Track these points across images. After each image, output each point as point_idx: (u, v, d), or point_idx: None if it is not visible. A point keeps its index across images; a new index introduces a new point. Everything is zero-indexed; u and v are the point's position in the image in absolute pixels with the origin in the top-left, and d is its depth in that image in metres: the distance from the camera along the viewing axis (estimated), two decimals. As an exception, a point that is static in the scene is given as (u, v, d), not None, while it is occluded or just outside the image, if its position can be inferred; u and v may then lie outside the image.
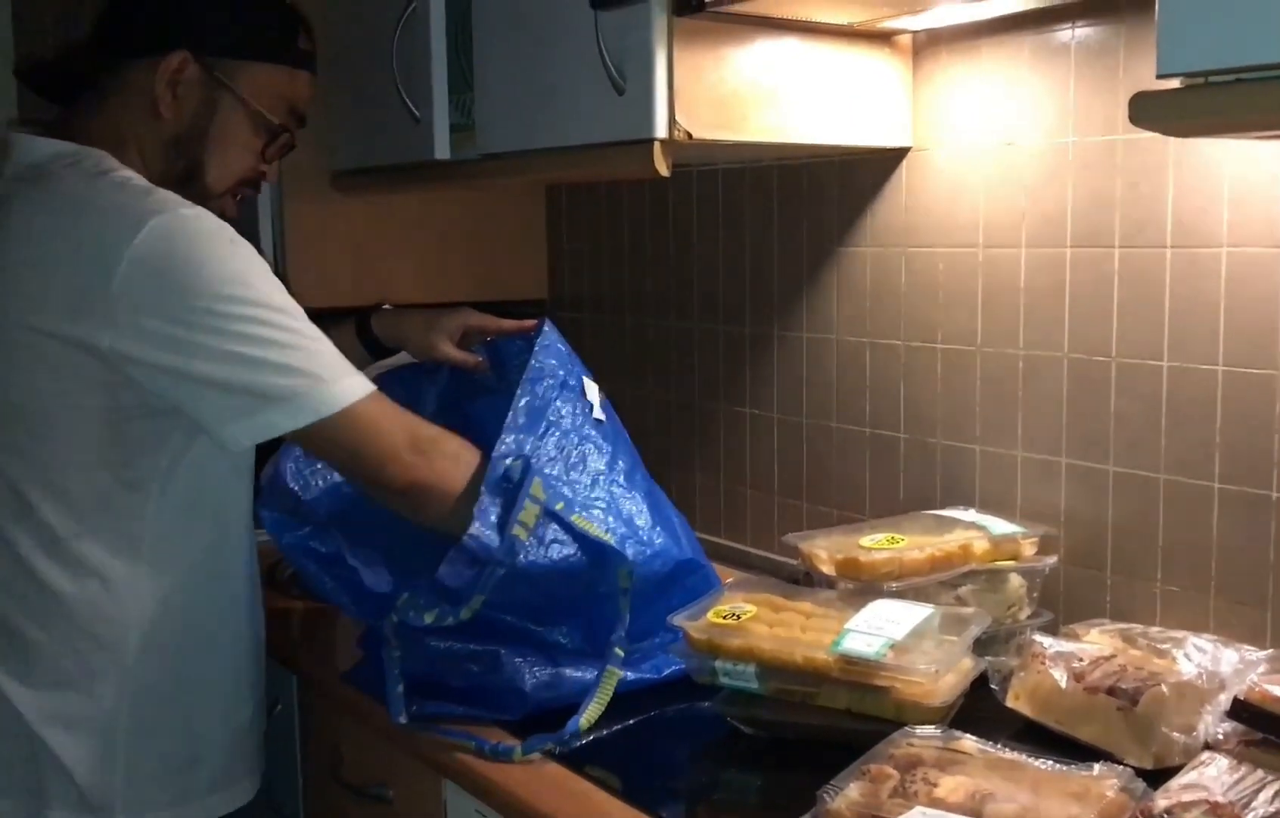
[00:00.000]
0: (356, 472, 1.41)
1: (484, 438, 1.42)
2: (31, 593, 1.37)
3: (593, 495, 1.45)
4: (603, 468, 1.48)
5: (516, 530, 1.33)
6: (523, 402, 1.45)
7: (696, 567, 1.50)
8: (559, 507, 1.39)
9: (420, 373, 1.70)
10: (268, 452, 1.48)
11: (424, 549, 1.39)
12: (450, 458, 1.39)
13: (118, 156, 1.40)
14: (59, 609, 1.36)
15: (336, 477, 1.50)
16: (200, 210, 1.34)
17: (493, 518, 1.34)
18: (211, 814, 1.46)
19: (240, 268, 1.32)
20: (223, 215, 1.43)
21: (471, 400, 1.63)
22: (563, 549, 1.38)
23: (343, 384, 1.34)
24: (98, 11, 1.48)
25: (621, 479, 1.50)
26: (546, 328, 1.55)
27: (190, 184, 1.44)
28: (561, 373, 1.50)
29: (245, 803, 1.51)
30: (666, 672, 1.47)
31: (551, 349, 1.52)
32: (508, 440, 1.41)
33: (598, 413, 1.52)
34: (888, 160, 1.77)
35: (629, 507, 1.47)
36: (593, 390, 1.54)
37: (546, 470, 1.41)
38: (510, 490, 1.36)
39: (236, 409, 1.31)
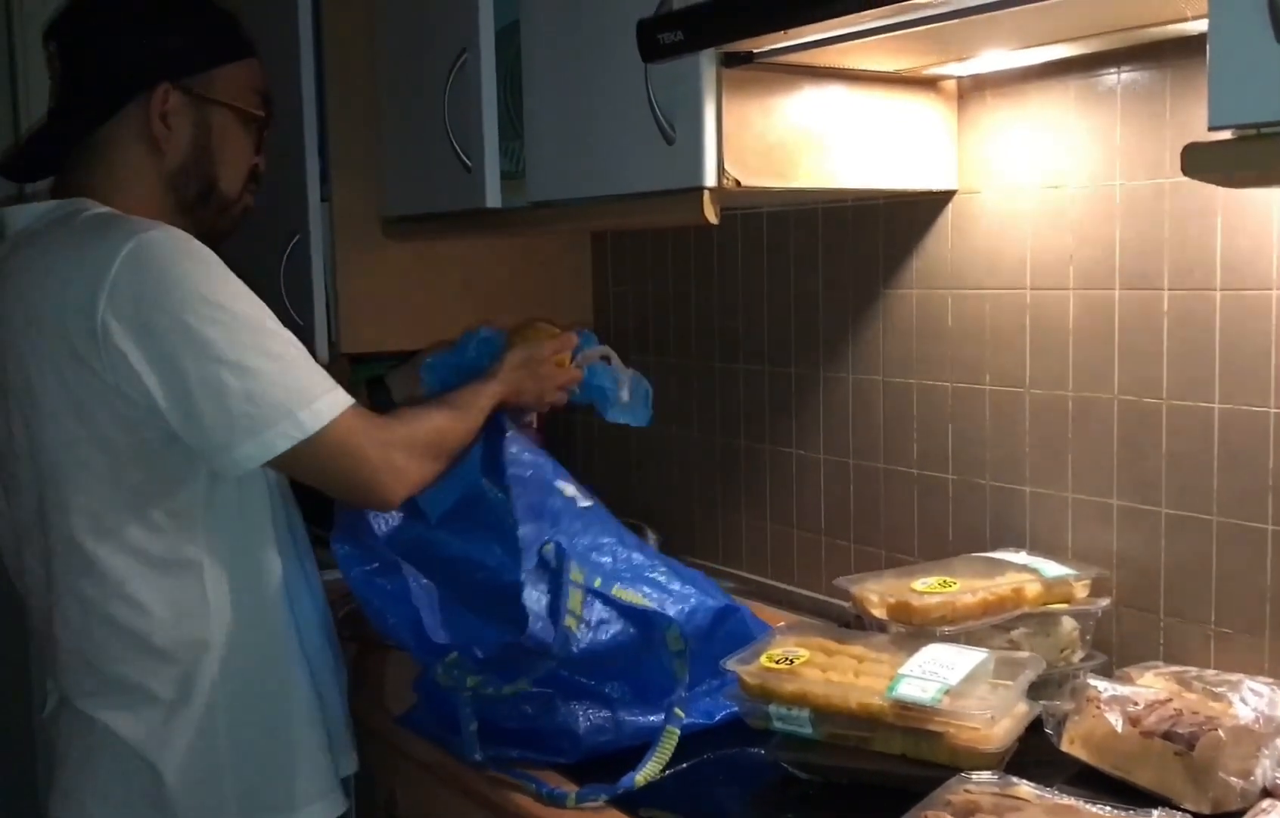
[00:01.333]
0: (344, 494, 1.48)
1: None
2: (110, 637, 1.42)
3: (619, 569, 1.48)
4: (614, 544, 1.53)
5: (568, 623, 1.37)
6: (521, 500, 1.49)
7: (733, 611, 1.52)
8: (598, 583, 1.42)
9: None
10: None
11: (488, 597, 1.42)
12: (419, 454, 1.49)
13: (123, 203, 1.46)
14: (139, 645, 1.42)
15: (409, 514, 1.53)
16: (170, 230, 1.39)
17: (543, 609, 1.37)
18: None
19: (210, 283, 1.38)
20: (244, 215, 1.58)
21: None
22: (610, 628, 1.41)
23: (319, 403, 1.39)
24: (55, 87, 1.52)
25: (635, 550, 1.54)
26: (509, 436, 1.59)
27: (208, 200, 1.55)
28: (538, 471, 1.57)
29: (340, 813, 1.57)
30: (718, 717, 1.48)
31: (520, 457, 1.57)
32: (526, 529, 1.45)
33: (583, 502, 1.58)
34: (934, 203, 1.78)
35: (653, 573, 1.50)
36: (570, 487, 1.60)
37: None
38: (551, 577, 1.40)
39: (225, 435, 1.37)
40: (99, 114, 1.47)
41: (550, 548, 1.43)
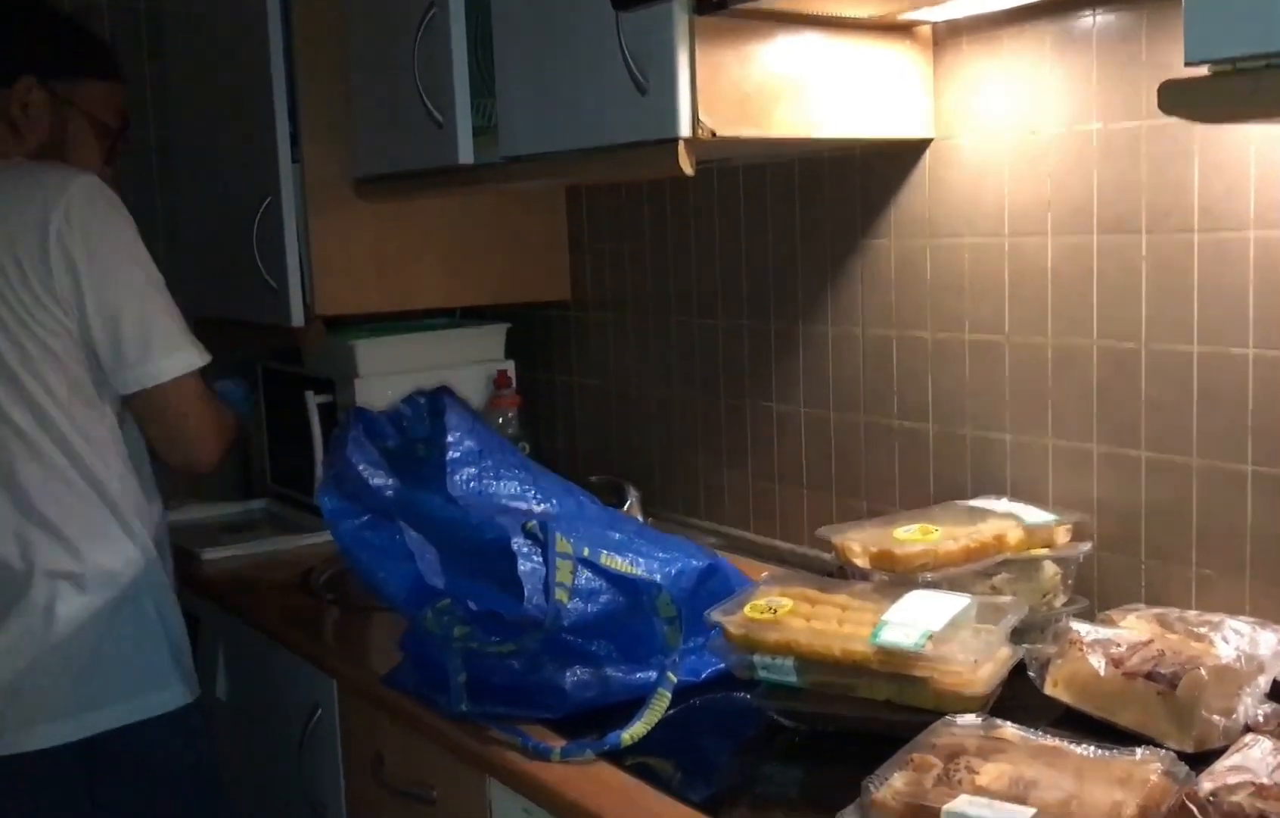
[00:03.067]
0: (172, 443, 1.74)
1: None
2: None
3: (604, 538, 1.47)
4: (582, 513, 1.54)
5: (560, 596, 1.36)
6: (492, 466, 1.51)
7: (716, 568, 1.51)
8: (585, 552, 1.41)
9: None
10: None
11: (479, 560, 1.40)
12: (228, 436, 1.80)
13: None
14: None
15: (395, 468, 1.52)
16: (93, 177, 1.66)
17: (539, 583, 1.36)
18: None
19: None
20: None
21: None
22: (600, 597, 1.40)
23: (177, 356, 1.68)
24: None
25: (603, 516, 1.55)
26: (448, 403, 1.57)
27: None
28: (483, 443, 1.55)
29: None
30: (705, 674, 1.48)
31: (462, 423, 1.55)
32: (506, 482, 1.47)
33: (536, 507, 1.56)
34: (910, 152, 1.77)
35: (635, 540, 1.49)
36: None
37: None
38: (540, 551, 1.39)
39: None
40: None
41: (533, 524, 1.42)
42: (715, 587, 1.49)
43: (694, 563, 1.48)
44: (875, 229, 1.85)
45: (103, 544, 1.64)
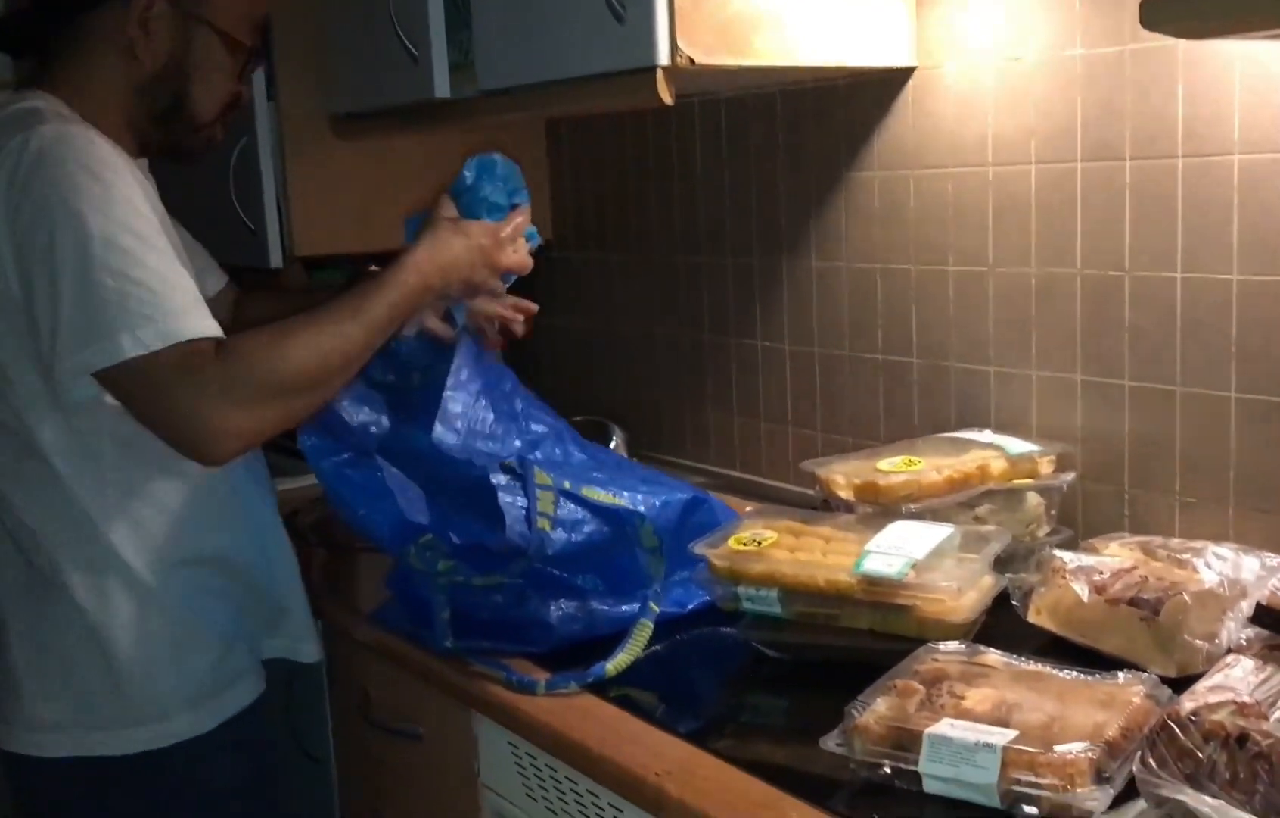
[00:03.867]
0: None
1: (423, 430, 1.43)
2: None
3: (587, 471, 1.47)
4: (577, 451, 1.53)
5: (541, 524, 1.35)
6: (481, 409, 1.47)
7: (701, 501, 1.51)
8: (567, 485, 1.41)
9: None
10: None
11: (462, 496, 1.40)
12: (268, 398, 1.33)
13: (87, 100, 1.40)
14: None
15: (382, 404, 1.50)
16: (62, 132, 1.31)
17: (521, 512, 1.36)
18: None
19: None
20: (211, 142, 1.53)
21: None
22: (584, 528, 1.40)
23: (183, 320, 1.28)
24: None
25: (598, 455, 1.54)
26: (463, 341, 1.52)
27: (176, 117, 1.47)
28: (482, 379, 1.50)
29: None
30: (690, 607, 1.48)
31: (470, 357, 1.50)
32: (487, 444, 1.44)
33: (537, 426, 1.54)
34: (893, 81, 1.75)
35: (619, 473, 1.50)
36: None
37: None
38: (521, 485, 1.39)
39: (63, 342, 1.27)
40: (81, 2, 1.41)
41: (511, 462, 1.42)
42: (701, 520, 1.49)
43: (679, 496, 1.48)
44: (859, 161, 1.83)
45: None
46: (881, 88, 1.77)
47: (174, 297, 1.29)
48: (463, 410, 1.45)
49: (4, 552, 1.42)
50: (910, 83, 1.74)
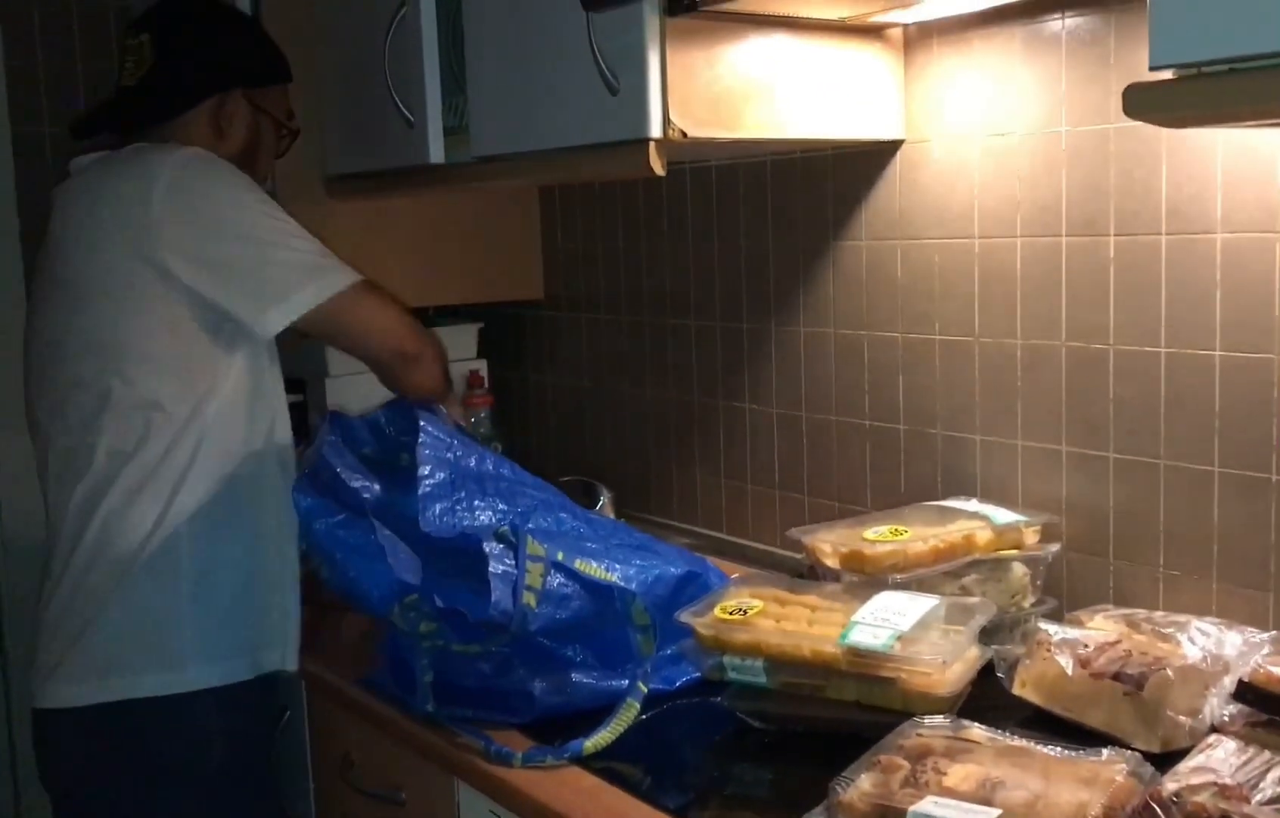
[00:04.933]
0: (372, 344, 1.70)
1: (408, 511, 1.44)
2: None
3: (580, 541, 1.46)
4: (570, 518, 1.51)
5: (527, 599, 1.35)
6: (461, 479, 1.47)
7: (695, 576, 1.50)
8: (560, 556, 1.39)
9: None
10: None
11: (454, 559, 1.39)
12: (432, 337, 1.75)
13: None
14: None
15: (361, 482, 1.51)
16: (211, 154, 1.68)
17: (508, 586, 1.35)
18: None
19: (249, 187, 1.66)
20: None
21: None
22: (571, 603, 1.39)
23: (346, 270, 1.66)
24: (135, 70, 1.74)
25: (591, 523, 1.52)
26: (422, 432, 1.52)
27: None
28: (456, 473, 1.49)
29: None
30: (679, 683, 1.47)
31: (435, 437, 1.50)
32: (480, 512, 1.44)
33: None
34: (881, 153, 1.77)
35: (613, 543, 1.48)
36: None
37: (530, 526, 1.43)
38: (512, 554, 1.38)
39: (270, 293, 1.60)
40: (187, 99, 1.72)
41: (505, 529, 1.41)
42: (695, 594, 1.48)
43: (671, 570, 1.48)
44: (847, 230, 1.85)
45: None
46: (870, 159, 1.79)
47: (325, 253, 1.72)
48: (443, 507, 1.44)
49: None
50: (898, 155, 1.76)
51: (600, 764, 1.31)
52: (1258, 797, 0.98)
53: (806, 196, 1.91)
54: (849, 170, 1.83)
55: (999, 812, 1.03)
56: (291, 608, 1.70)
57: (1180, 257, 1.46)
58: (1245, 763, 1.02)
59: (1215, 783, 0.99)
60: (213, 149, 1.70)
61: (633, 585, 1.41)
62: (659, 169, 1.50)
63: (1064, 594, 1.59)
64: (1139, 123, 1.44)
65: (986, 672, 1.37)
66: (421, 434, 1.47)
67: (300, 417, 2.28)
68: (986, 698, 1.34)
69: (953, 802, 1.04)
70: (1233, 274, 1.41)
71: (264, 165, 1.82)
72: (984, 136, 1.65)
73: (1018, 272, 1.63)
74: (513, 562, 1.37)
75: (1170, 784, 1.00)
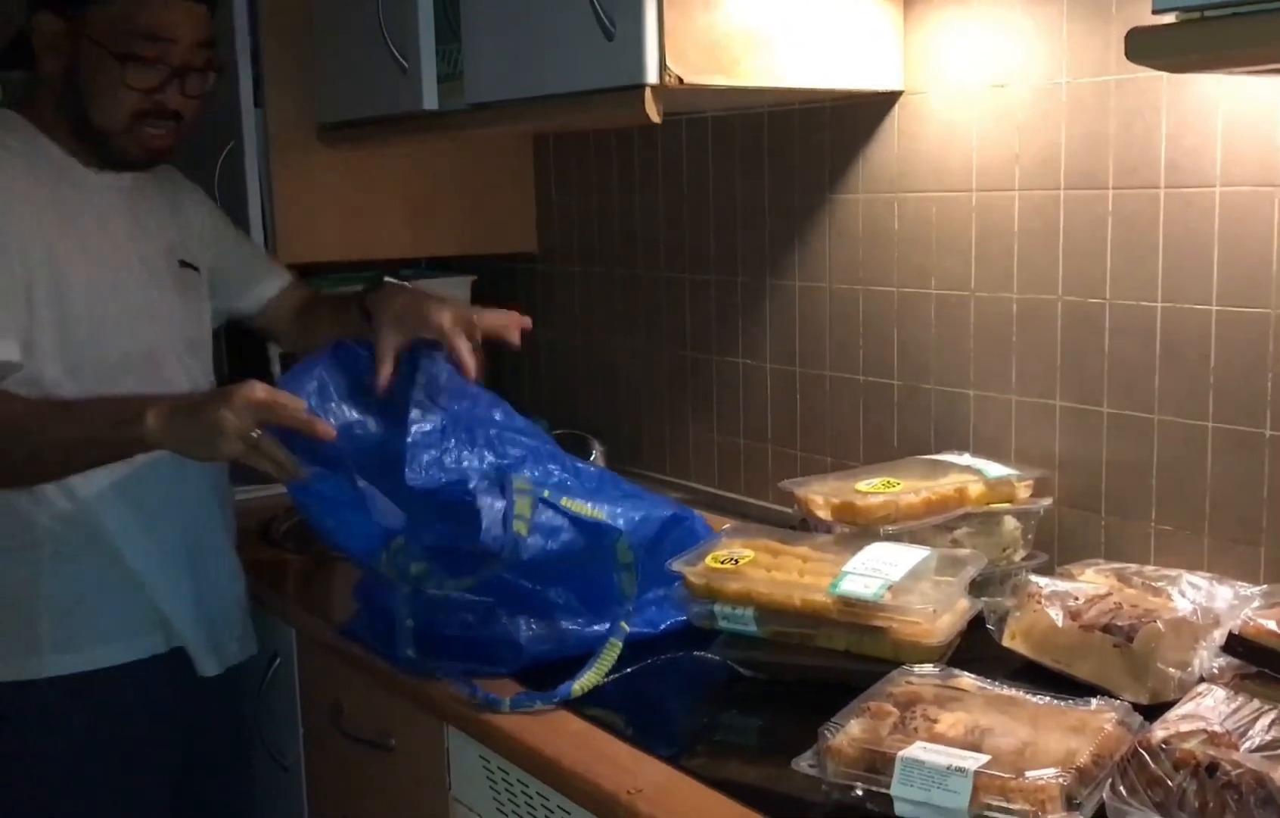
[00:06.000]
0: None
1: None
2: None
3: (566, 482, 1.46)
4: (558, 465, 1.49)
5: (517, 527, 1.34)
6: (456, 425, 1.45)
7: (681, 519, 1.50)
8: (546, 494, 1.40)
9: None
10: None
11: (432, 510, 1.39)
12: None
13: (39, 119, 1.56)
14: None
15: (353, 415, 1.49)
16: None
17: (497, 515, 1.35)
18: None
19: None
20: (152, 151, 1.58)
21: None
22: (561, 535, 1.39)
23: None
24: None
25: (579, 468, 1.51)
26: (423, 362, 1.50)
27: (86, 129, 1.55)
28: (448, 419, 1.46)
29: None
30: (663, 626, 1.47)
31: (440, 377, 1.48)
32: (468, 460, 1.42)
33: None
34: (879, 105, 1.76)
35: (600, 486, 1.48)
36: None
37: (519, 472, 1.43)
38: (499, 489, 1.38)
39: None
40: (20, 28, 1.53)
41: (491, 473, 1.41)
42: (680, 538, 1.48)
43: (658, 512, 1.48)
44: (844, 183, 1.84)
45: None
46: (868, 111, 1.78)
47: None
48: (430, 457, 1.42)
49: None
50: (896, 107, 1.74)
51: (590, 711, 1.30)
52: (1246, 744, 0.98)
53: (803, 149, 1.90)
54: (847, 123, 1.82)
55: (987, 758, 1.03)
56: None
57: (1178, 211, 1.45)
58: (1234, 711, 1.02)
59: (1205, 731, 0.99)
60: (45, 78, 1.53)
61: (619, 523, 1.41)
62: (655, 116, 1.48)
63: (1055, 549, 1.59)
64: (1139, 75, 1.44)
65: (977, 624, 1.37)
66: (419, 374, 1.46)
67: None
68: (976, 650, 1.34)
69: (941, 747, 1.04)
70: (1230, 229, 1.40)
71: (105, 101, 1.51)
72: (983, 88, 1.64)
73: (1015, 225, 1.62)
74: (500, 495, 1.36)
75: (1159, 732, 1.00)
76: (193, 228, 1.73)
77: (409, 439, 1.41)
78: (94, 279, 1.53)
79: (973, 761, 1.02)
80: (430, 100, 1.84)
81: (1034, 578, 1.39)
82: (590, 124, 2.17)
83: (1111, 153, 1.51)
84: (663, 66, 1.46)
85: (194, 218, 1.74)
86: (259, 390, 1.39)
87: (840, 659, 1.31)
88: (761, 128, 1.96)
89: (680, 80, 1.47)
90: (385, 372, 1.50)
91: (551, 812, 1.27)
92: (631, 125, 2.17)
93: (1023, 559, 1.54)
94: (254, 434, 1.39)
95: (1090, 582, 1.39)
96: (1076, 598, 1.34)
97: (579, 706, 1.31)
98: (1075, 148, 1.54)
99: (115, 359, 1.54)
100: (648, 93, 1.47)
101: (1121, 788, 0.97)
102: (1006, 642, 1.36)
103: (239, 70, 2.11)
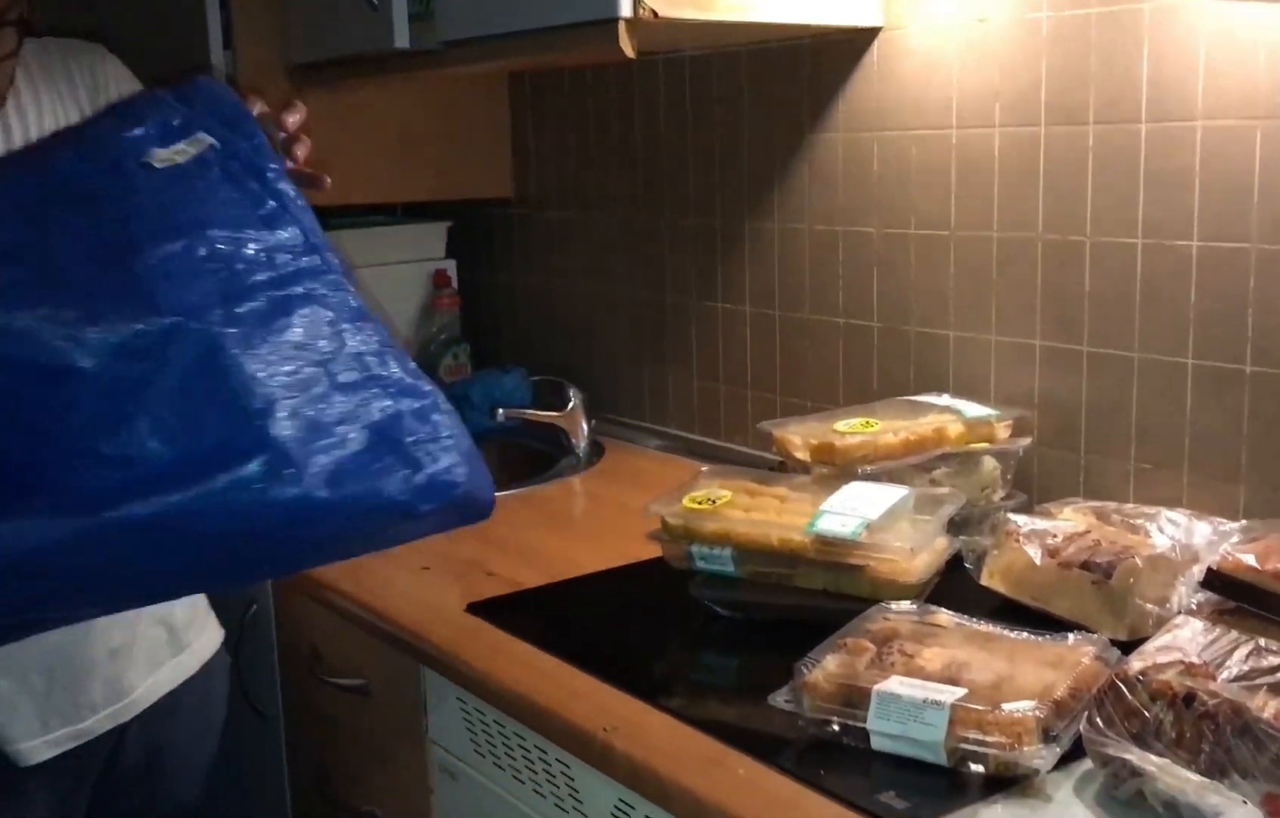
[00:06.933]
0: None
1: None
2: None
3: None
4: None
5: None
6: None
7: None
8: None
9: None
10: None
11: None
12: None
13: None
14: None
15: None
16: None
17: None
18: None
19: None
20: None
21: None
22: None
23: None
24: None
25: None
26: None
27: None
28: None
29: None
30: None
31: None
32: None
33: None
34: (858, 41, 1.73)
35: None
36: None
37: None
38: None
39: None
40: None
41: None
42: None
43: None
44: (823, 123, 1.82)
45: None
46: (847, 48, 1.75)
47: None
48: None
49: None
50: (876, 43, 1.72)
51: (568, 650, 1.29)
52: (1224, 675, 0.97)
53: (782, 88, 1.87)
54: (826, 61, 1.79)
55: (964, 691, 1.02)
56: None
57: (1160, 146, 1.43)
58: (1212, 642, 1.02)
59: (1181, 662, 0.98)
60: None
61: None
62: (629, 50, 1.46)
63: (1035, 488, 1.58)
64: (1121, 7, 1.42)
65: (955, 565, 1.36)
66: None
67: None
68: (955, 590, 1.33)
69: (918, 681, 1.04)
70: (1211, 163, 1.39)
71: None
72: (963, 22, 1.61)
73: (995, 163, 1.60)
74: None
75: (1136, 663, 0.99)
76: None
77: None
78: None
79: (949, 694, 1.01)
80: (402, 38, 1.81)
81: (1012, 517, 1.38)
82: (565, 60, 2.14)
83: (1092, 87, 1.49)
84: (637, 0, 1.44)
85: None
86: None
87: (818, 598, 1.30)
88: (739, 68, 1.93)
89: (654, 13, 1.44)
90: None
91: (529, 751, 1.26)
92: (608, 65, 2.13)
93: (1002, 499, 1.53)
94: None
95: (1069, 520, 1.39)
96: (1055, 536, 1.33)
97: (554, 645, 1.30)
98: (1056, 83, 1.52)
99: None
100: (622, 26, 1.44)
101: (1098, 720, 0.96)
102: (985, 581, 1.35)
103: (207, 10, 2.06)
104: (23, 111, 1.33)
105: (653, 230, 2.15)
